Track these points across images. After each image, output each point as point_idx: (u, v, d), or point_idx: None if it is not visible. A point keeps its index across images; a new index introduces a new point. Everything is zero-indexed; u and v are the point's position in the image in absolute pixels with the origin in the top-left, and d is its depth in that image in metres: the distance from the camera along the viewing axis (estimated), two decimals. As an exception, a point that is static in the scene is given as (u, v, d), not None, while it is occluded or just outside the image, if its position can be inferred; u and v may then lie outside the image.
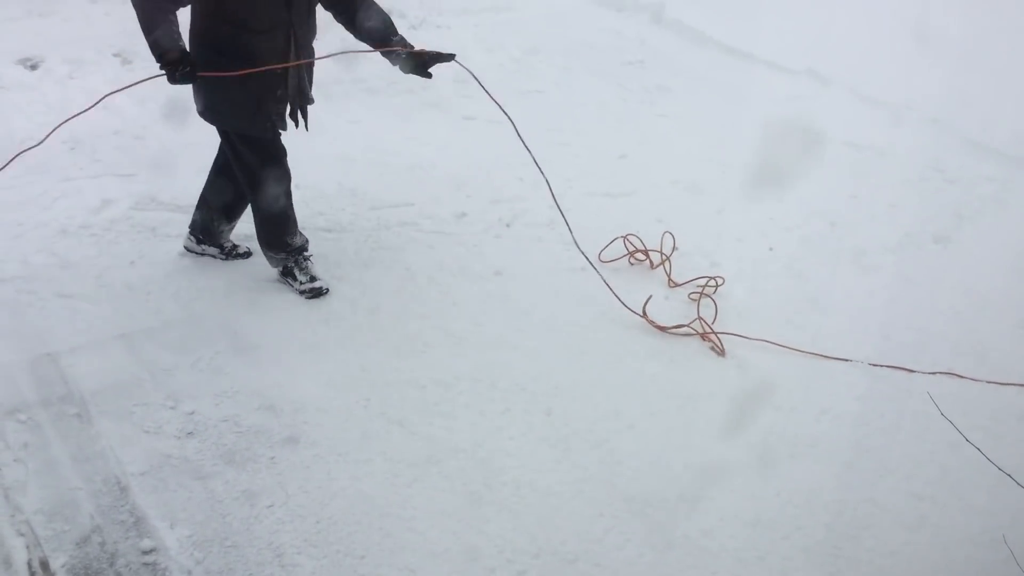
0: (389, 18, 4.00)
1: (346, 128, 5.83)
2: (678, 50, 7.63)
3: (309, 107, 4.12)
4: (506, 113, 3.98)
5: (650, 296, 4.23)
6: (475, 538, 3.15)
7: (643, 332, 4.20)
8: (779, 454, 3.60)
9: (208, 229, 4.36)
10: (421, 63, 3.91)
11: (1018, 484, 2.96)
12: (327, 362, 3.87)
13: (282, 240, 4.19)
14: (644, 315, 4.18)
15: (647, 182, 5.28)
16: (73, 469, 3.26)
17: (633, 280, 4.53)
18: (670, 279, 4.56)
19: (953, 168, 5.89)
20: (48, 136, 3.71)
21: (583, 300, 4.39)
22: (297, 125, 4.09)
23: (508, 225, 4.94)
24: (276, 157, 4.06)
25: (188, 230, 4.42)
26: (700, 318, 4.21)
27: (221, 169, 4.25)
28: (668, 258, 4.62)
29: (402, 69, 3.97)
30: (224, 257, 4.43)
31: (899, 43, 7.69)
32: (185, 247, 4.43)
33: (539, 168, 4.04)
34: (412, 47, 3.91)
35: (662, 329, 4.16)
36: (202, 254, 4.41)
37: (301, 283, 4.24)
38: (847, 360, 4.07)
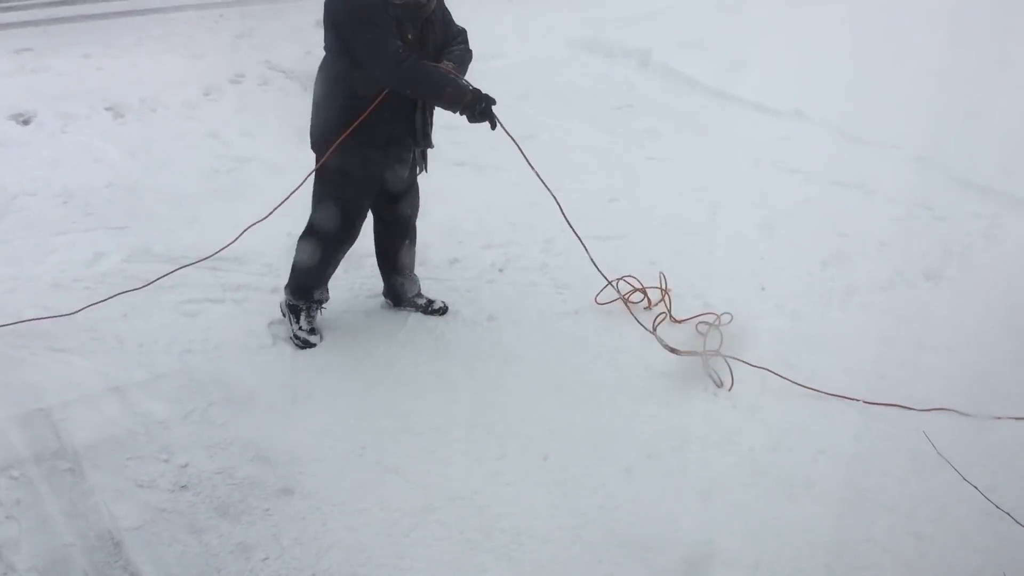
0: (464, 63, 4.09)
1: (338, 177, 5.86)
2: (666, 94, 7.71)
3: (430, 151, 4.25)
4: (535, 169, 4.18)
5: (662, 315, 4.32)
6: (473, 587, 3.13)
7: (637, 375, 4.20)
8: (777, 495, 3.58)
9: (393, 290, 4.52)
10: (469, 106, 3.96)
11: (1017, 522, 2.96)
12: (321, 411, 3.85)
13: (308, 292, 4.25)
14: (654, 332, 4.29)
15: (638, 224, 5.31)
16: (66, 525, 3.23)
17: (631, 320, 4.54)
18: (671, 316, 4.57)
19: (942, 205, 5.92)
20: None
21: (577, 343, 4.39)
22: (422, 169, 4.25)
23: (501, 270, 4.96)
24: (369, 203, 4.17)
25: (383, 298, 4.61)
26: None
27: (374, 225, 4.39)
28: (667, 293, 4.64)
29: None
30: (424, 313, 4.54)
31: (883, 83, 7.80)
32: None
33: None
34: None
35: (672, 351, 4.21)
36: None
37: (300, 328, 4.26)
38: (844, 398, 4.07)
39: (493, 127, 3.93)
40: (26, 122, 6.24)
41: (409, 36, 3.80)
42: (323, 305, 4.36)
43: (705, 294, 4.75)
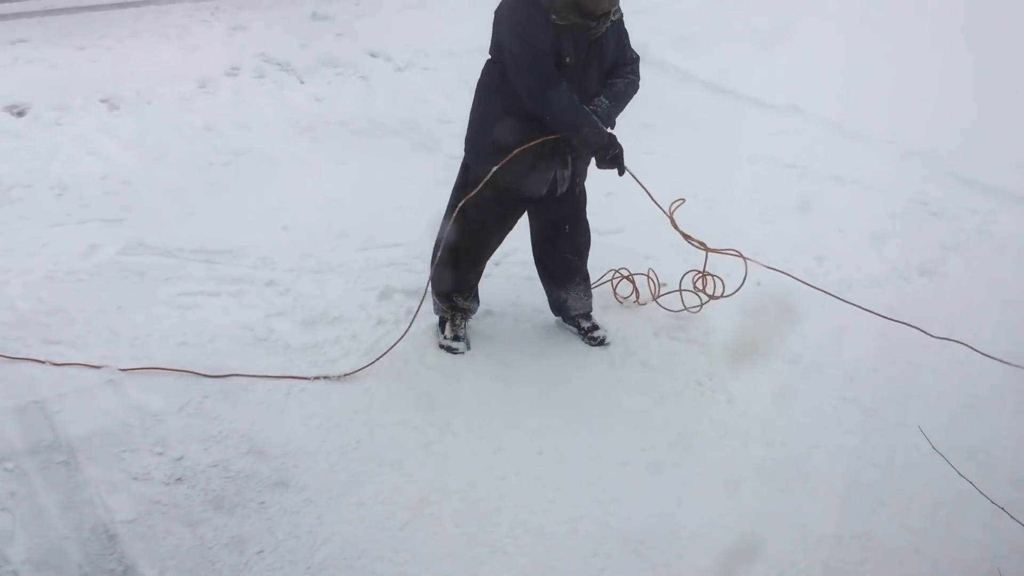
0: (623, 100, 3.96)
1: (334, 169, 5.85)
2: (662, 88, 7.68)
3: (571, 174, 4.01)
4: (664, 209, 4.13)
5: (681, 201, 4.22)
6: (468, 581, 3.13)
7: (633, 369, 4.20)
8: (772, 490, 3.59)
9: (555, 303, 4.41)
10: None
11: (1012, 517, 2.96)
12: (317, 404, 3.84)
13: (449, 295, 4.21)
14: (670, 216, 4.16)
15: (634, 219, 5.29)
16: (61, 518, 3.22)
17: (623, 316, 4.55)
18: (654, 296, 4.65)
19: (937, 201, 5.93)
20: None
21: (573, 338, 4.39)
22: (561, 187, 3.99)
23: (497, 264, 4.93)
24: (514, 217, 4.10)
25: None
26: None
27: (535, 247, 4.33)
28: (659, 285, 4.65)
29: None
30: (582, 337, 4.40)
31: (881, 78, 7.79)
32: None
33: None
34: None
35: (687, 238, 4.11)
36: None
37: (445, 336, 4.26)
38: (859, 307, 4.17)
39: (621, 174, 3.88)
40: (21, 114, 6.21)
41: (568, 59, 3.59)
42: (469, 315, 4.32)
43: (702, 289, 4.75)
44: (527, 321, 4.47)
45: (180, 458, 3.51)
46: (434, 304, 4.31)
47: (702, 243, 4.11)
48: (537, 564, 3.20)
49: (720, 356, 4.32)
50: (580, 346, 4.34)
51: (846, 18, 9.31)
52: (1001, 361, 3.98)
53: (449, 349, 4.24)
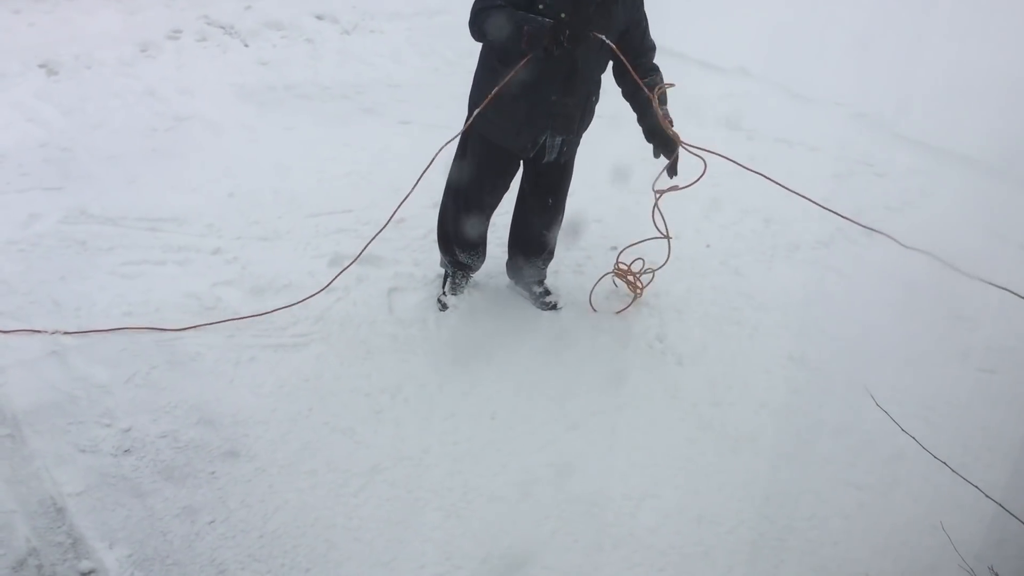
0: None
1: (281, 135, 5.77)
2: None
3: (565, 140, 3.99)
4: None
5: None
6: (422, 545, 3.14)
7: (583, 332, 4.23)
8: (720, 449, 3.65)
9: (512, 267, 4.45)
10: (661, 142, 4.01)
11: (953, 471, 3.03)
12: (267, 372, 3.81)
13: (449, 246, 4.24)
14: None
15: (584, 183, 5.28)
16: (7, 491, 3.17)
17: (575, 281, 4.57)
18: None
19: (882, 162, 6.02)
20: None
21: (524, 301, 4.40)
22: (550, 155, 3.97)
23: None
24: (506, 175, 4.08)
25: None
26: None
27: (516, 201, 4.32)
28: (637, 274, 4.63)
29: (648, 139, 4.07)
30: (534, 302, 4.44)
31: (828, 40, 7.85)
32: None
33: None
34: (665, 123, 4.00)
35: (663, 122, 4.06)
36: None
37: (443, 292, 4.34)
38: (842, 216, 4.13)
39: (582, 37, 3.66)
40: (-46, 80, 6.04)
41: (563, 15, 3.51)
42: (470, 273, 4.36)
43: (651, 252, 4.77)
44: (479, 287, 4.47)
45: (128, 429, 3.47)
46: (440, 258, 4.37)
47: (676, 135, 4.07)
48: (491, 528, 3.23)
49: (670, 318, 4.36)
50: (532, 311, 4.36)
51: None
52: (971, 276, 3.96)
53: (441, 304, 4.30)
